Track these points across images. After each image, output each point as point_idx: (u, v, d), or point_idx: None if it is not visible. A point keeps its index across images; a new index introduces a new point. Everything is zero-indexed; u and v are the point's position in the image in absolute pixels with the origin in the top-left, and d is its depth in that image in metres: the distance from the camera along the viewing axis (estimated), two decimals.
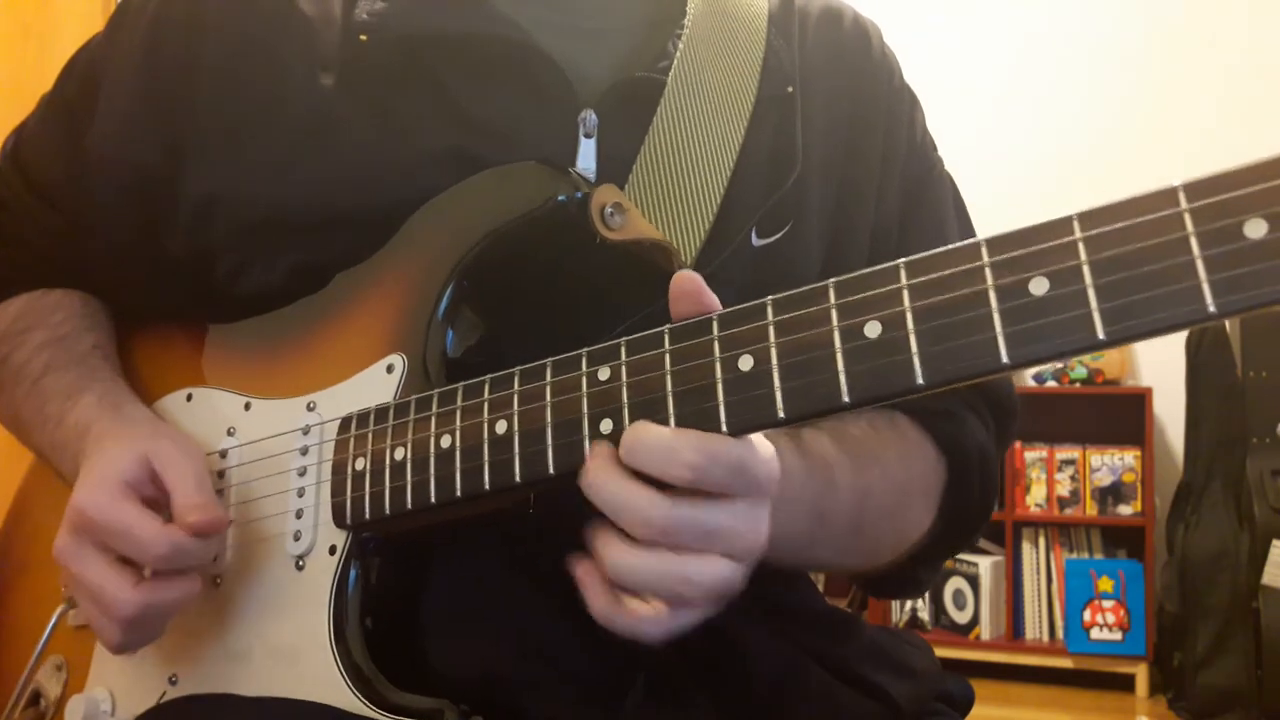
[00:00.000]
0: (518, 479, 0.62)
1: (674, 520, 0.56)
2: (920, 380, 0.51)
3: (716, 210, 0.76)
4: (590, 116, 0.76)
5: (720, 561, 0.57)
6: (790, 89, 0.81)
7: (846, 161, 0.83)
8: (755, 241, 0.78)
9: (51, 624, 0.81)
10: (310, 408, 0.74)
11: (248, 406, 0.77)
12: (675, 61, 0.78)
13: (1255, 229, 0.43)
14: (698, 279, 0.59)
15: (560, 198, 0.69)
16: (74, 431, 0.78)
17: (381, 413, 0.69)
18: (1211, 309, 0.44)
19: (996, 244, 0.50)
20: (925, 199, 0.86)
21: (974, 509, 0.81)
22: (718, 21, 0.82)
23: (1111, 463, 3.63)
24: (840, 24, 0.88)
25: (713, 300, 0.59)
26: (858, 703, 0.77)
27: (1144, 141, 3.76)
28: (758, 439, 0.58)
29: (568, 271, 0.72)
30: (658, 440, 0.56)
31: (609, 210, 0.69)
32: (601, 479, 0.58)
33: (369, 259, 0.75)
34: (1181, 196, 0.45)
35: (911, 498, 0.78)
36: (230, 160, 0.78)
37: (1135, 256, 0.46)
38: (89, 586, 0.70)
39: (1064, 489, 3.69)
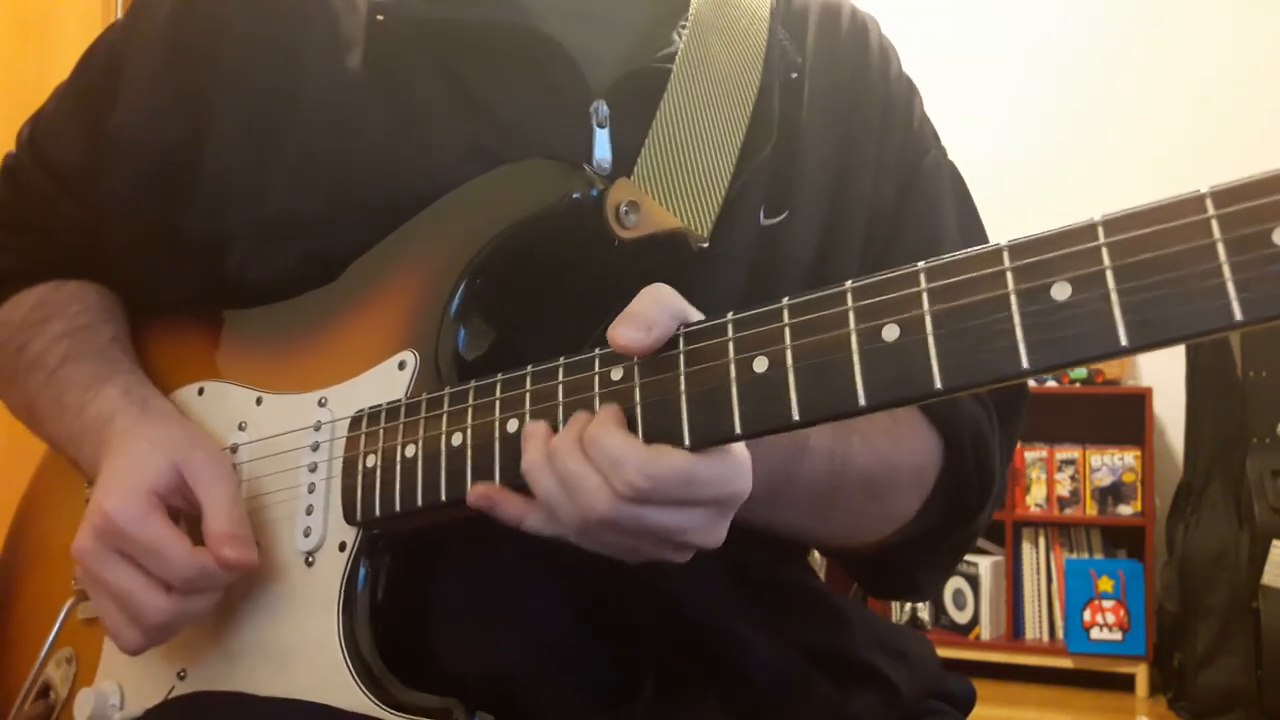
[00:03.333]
0: None
1: (617, 515, 0.57)
2: (939, 385, 0.50)
3: (725, 191, 0.76)
4: (601, 107, 0.76)
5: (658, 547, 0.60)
6: (794, 75, 0.83)
7: (844, 149, 0.84)
8: (763, 220, 0.78)
9: (61, 617, 0.81)
10: (322, 403, 0.73)
11: (259, 401, 0.77)
12: (680, 51, 0.79)
13: None
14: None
15: (575, 195, 0.68)
16: (96, 421, 0.77)
17: (393, 410, 0.69)
18: (1239, 317, 0.43)
19: (1018, 249, 0.49)
20: (920, 185, 0.86)
21: (970, 487, 0.79)
22: (720, 12, 0.83)
23: (1111, 463, 3.63)
24: (839, 18, 0.89)
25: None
26: (859, 694, 0.77)
27: (1143, 142, 3.75)
28: (740, 455, 0.59)
29: (582, 270, 0.71)
30: (609, 448, 0.57)
31: (624, 209, 0.69)
32: (564, 451, 0.59)
33: (382, 252, 0.75)
34: (1209, 203, 0.44)
35: (899, 475, 0.77)
36: (249, 150, 0.78)
37: (1160, 263, 0.45)
38: (116, 591, 0.70)
39: (1064, 489, 3.68)
